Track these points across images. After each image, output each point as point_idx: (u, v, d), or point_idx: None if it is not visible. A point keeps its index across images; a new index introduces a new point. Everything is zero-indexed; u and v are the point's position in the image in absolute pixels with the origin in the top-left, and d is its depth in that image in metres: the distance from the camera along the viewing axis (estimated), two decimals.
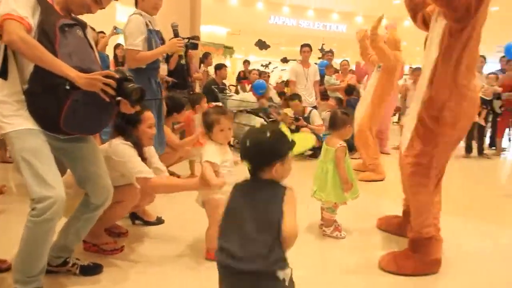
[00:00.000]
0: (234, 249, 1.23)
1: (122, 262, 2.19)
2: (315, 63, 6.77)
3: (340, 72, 7.26)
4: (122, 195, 2.23)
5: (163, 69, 3.43)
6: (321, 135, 5.39)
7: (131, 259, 2.24)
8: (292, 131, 4.77)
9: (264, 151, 1.32)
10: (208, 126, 2.22)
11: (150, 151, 2.48)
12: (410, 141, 2.21)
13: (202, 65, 7.21)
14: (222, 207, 2.14)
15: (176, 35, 3.16)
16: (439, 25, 2.11)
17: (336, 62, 9.10)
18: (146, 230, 2.68)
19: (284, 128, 1.36)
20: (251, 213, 1.27)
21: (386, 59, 4.16)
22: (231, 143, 6.19)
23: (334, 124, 2.72)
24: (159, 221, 2.80)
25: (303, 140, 1.44)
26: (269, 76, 8.57)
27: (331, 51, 7.37)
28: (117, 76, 1.74)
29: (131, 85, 1.78)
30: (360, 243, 2.63)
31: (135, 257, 2.27)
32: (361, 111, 4.50)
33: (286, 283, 1.24)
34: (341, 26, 17.77)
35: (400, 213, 2.77)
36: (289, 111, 5.96)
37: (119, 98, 1.81)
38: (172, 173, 4.07)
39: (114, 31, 5.26)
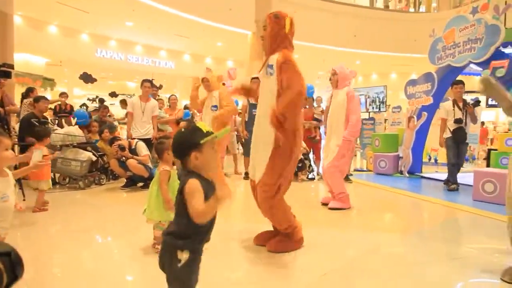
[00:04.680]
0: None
1: None
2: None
3: (169, 106, 7.65)
4: None
5: None
6: (150, 166, 5.62)
7: None
8: (121, 162, 4.86)
9: (180, 143, 1.59)
10: None
11: None
12: (265, 173, 2.85)
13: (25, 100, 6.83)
14: None
15: None
16: (267, 81, 2.87)
17: (166, 96, 9.53)
18: None
19: (201, 124, 1.60)
20: (176, 199, 1.57)
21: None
22: (57, 179, 5.79)
23: (157, 153, 3.11)
24: None
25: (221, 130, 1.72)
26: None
27: (160, 87, 7.73)
28: None
29: None
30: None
31: None
32: None
33: (180, 265, 1.53)
34: (169, 63, 18.43)
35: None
36: (102, 144, 6.11)
37: None
38: None
39: None
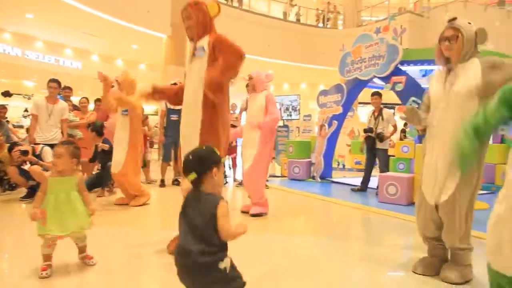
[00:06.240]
0: (192, 248, 1.58)
1: None
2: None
3: (80, 109, 7.08)
4: None
5: None
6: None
7: None
8: (22, 170, 4.37)
9: (204, 158, 1.70)
10: None
11: None
12: None
13: None
14: None
15: None
16: (196, 64, 2.85)
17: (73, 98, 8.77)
18: None
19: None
20: (201, 220, 1.61)
21: (129, 106, 4.68)
22: None
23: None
24: None
25: None
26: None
27: (69, 88, 7.10)
28: None
29: None
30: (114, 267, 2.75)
31: None
32: (121, 155, 4.76)
33: (227, 271, 1.63)
34: (76, 63, 17.06)
35: None
36: None
37: None
38: None
39: None
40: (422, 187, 2.77)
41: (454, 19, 2.61)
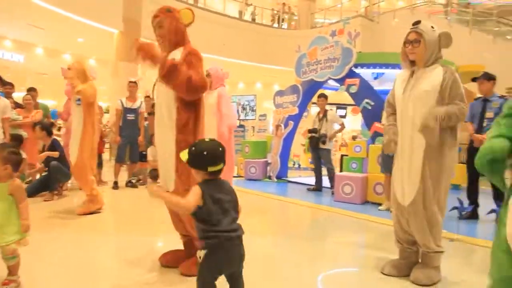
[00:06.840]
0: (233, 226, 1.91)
1: None
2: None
3: (23, 107, 6.60)
4: None
5: None
6: None
7: None
8: None
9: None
10: None
11: None
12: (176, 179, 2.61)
13: None
14: None
15: None
16: (164, 89, 2.61)
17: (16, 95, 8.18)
18: None
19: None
20: (230, 200, 1.93)
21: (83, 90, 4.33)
22: None
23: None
24: None
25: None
26: None
27: (11, 83, 6.61)
28: None
29: None
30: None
31: None
32: (75, 148, 4.45)
33: None
34: (17, 56, 15.92)
35: None
36: None
37: None
38: None
39: None
40: (393, 188, 2.82)
41: (418, 22, 2.67)
